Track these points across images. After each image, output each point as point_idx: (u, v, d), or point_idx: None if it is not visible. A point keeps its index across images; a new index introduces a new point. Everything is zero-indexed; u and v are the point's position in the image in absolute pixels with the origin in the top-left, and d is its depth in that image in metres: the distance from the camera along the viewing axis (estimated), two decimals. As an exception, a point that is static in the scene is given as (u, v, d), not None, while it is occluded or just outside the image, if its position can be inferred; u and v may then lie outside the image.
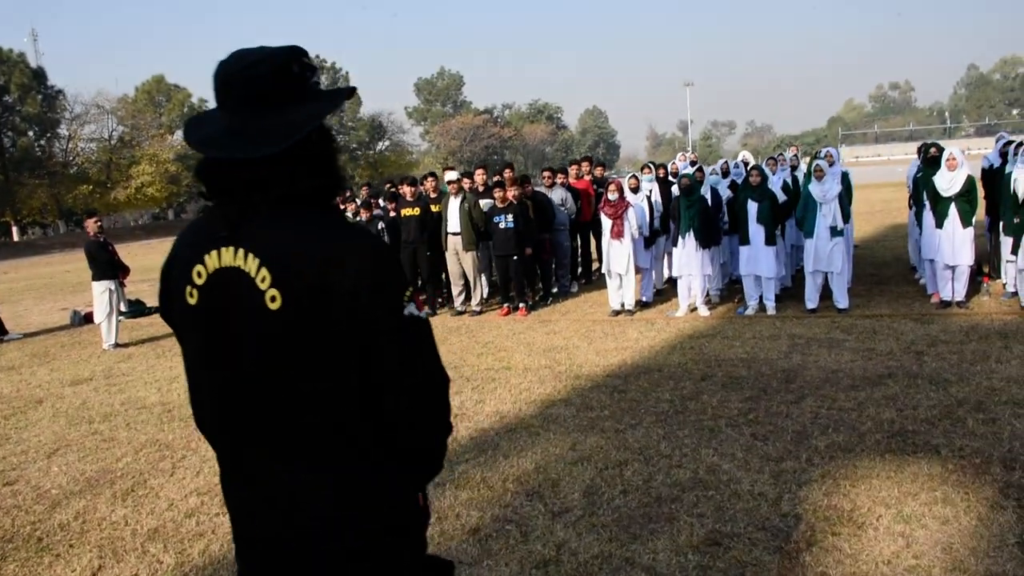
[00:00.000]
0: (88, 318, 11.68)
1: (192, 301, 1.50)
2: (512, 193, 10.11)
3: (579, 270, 12.48)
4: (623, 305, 9.67)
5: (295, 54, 1.46)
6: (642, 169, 11.24)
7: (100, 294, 9.98)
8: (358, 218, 10.80)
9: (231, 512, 1.61)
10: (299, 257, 1.40)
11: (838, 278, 8.46)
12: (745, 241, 8.90)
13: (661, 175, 10.86)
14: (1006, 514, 3.61)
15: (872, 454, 4.44)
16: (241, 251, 1.43)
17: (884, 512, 3.72)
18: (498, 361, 7.58)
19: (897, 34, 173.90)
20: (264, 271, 1.41)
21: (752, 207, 8.79)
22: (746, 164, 10.04)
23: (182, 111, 56.23)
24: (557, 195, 11.21)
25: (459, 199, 10.14)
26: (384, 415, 1.47)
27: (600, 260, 12.49)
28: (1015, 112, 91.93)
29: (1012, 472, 4.06)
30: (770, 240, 8.63)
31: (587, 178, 12.37)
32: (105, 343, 9.98)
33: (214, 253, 1.47)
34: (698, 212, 9.03)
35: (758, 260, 8.86)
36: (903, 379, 5.79)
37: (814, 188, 8.41)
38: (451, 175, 10.53)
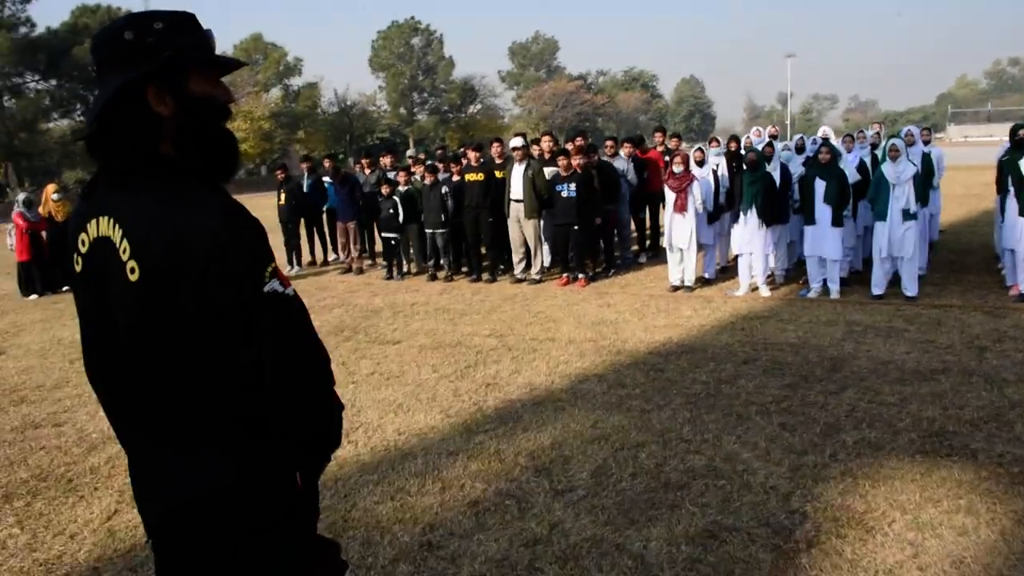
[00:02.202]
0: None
1: (78, 268, 1.53)
2: (576, 162, 9.94)
3: (647, 242, 12.24)
4: (683, 281, 9.44)
5: (132, 20, 1.45)
6: (710, 142, 10.88)
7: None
8: (424, 182, 10.83)
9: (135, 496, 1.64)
10: (154, 231, 1.40)
11: (908, 264, 8.02)
12: (811, 221, 8.51)
13: (733, 148, 10.48)
14: (1032, 529, 3.37)
15: (902, 454, 4.21)
16: (111, 220, 1.45)
17: (899, 517, 3.52)
18: (544, 332, 7.52)
19: (1020, 5, 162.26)
20: (125, 243, 1.43)
21: (820, 186, 8.38)
22: (825, 140, 9.56)
23: (277, 69, 57.47)
24: (619, 165, 10.98)
25: (523, 166, 10.04)
26: (252, 396, 1.45)
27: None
28: None
29: (1051, 484, 3.78)
30: (837, 221, 8.23)
31: (659, 149, 12.09)
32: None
33: (94, 222, 1.49)
34: (762, 188, 8.69)
35: (823, 241, 8.47)
36: (957, 375, 5.46)
37: (887, 169, 7.96)
38: (516, 141, 10.40)
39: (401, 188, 10.99)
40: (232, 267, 1.39)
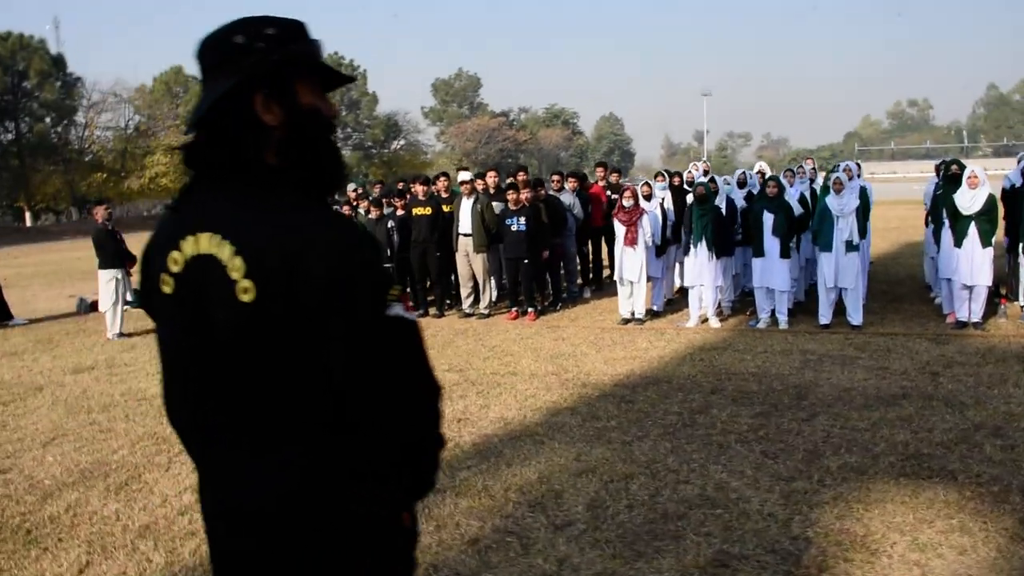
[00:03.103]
0: (94, 306, 11.60)
1: (167, 290, 1.41)
2: (525, 196, 10.00)
3: (591, 276, 12.36)
4: (633, 313, 9.54)
5: (243, 24, 1.38)
6: (656, 176, 11.12)
7: (106, 282, 9.92)
8: (368, 216, 10.73)
9: (203, 513, 1.52)
10: (271, 249, 1.29)
11: (852, 294, 8.31)
12: (759, 253, 8.74)
13: (676, 183, 10.73)
14: (1026, 547, 3.47)
15: (886, 477, 4.31)
16: (216, 237, 1.34)
17: (899, 539, 3.58)
18: (504, 366, 7.47)
19: (917, 52, 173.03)
20: (238, 260, 1.31)
21: (768, 219, 8.64)
22: (763, 175, 9.88)
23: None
24: (565, 200, 11.10)
25: (472, 200, 10.03)
26: (362, 425, 1.35)
27: (611, 267, 12.50)
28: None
29: (1032, 502, 3.92)
30: (785, 253, 8.48)
31: (601, 184, 12.27)
32: (109, 332, 9.91)
33: (190, 239, 1.37)
34: (711, 221, 8.90)
35: (772, 273, 8.71)
36: (918, 400, 5.64)
37: (831, 201, 8.27)
38: (464, 175, 10.43)
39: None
40: (355, 289, 1.30)
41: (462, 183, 10.33)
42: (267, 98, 1.37)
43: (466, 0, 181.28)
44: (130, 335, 9.98)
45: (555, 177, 11.61)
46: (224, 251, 1.32)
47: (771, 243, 8.61)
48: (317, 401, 1.34)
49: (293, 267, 1.27)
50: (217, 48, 1.37)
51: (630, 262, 9.37)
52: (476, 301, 10.52)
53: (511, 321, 9.96)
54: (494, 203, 10.24)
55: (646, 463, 4.68)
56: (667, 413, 5.67)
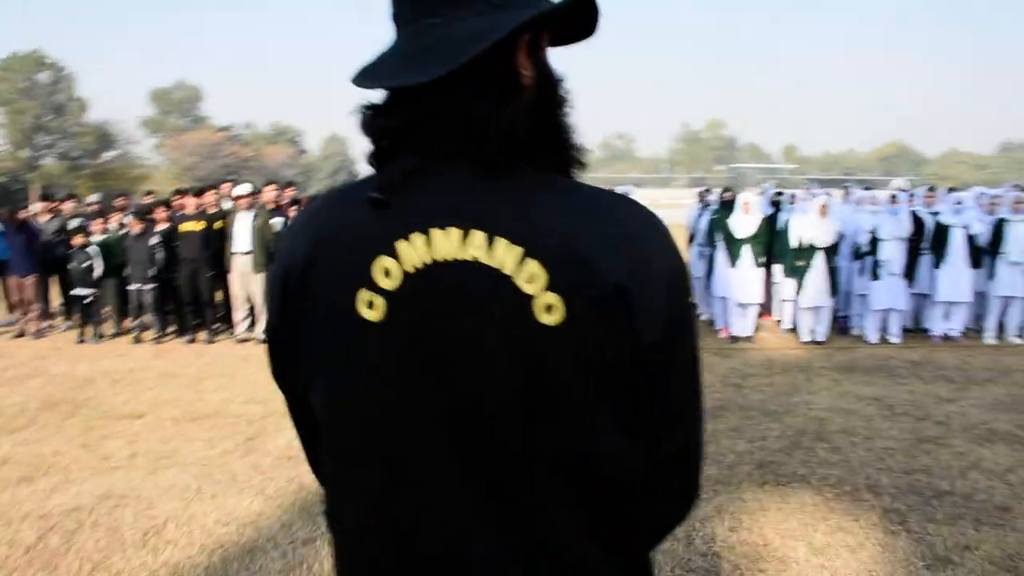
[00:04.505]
0: None
1: (372, 315, 0.96)
2: (310, 212, 9.39)
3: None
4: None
5: None
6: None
7: None
8: (124, 231, 9.49)
9: None
10: (574, 244, 0.92)
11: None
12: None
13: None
14: (901, 539, 3.75)
15: (751, 486, 4.48)
16: (479, 234, 0.93)
17: (795, 544, 3.71)
18: (310, 394, 6.86)
19: (623, 91, 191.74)
20: (533, 265, 0.91)
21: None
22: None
23: None
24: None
25: (251, 215, 9.22)
26: (649, 464, 1.02)
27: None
28: (721, 167, 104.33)
29: (881, 497, 4.27)
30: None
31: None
32: None
33: (416, 238, 0.95)
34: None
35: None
36: (737, 411, 6.00)
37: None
38: (243, 188, 9.54)
39: (96, 238, 9.47)
40: (684, 292, 0.98)
41: (238, 197, 9.46)
42: (529, 47, 0.98)
43: (188, 5, 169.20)
44: None
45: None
46: (503, 254, 0.92)
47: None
48: (620, 449, 0.98)
49: (623, 273, 0.92)
50: None
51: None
52: (252, 325, 9.66)
53: (295, 346, 9.25)
54: (273, 219, 9.51)
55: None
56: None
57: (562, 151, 1.03)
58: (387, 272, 0.95)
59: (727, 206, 8.89)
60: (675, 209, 19.65)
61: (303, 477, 4.74)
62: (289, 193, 10.70)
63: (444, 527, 0.97)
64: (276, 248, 1.10)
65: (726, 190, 9.27)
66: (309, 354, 1.04)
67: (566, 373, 0.93)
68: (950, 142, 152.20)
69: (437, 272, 0.94)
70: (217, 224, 9.44)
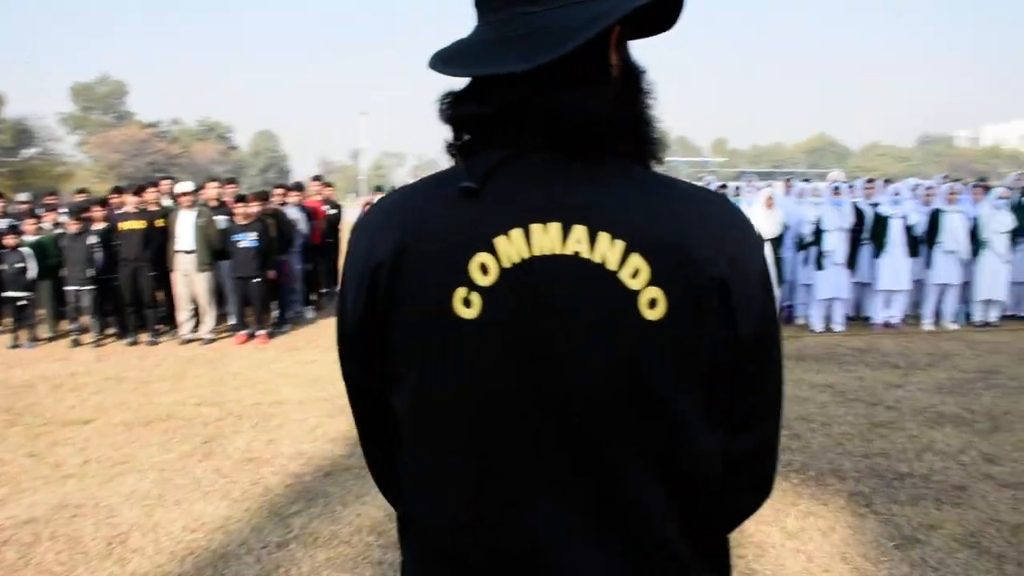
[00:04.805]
0: None
1: (470, 313, 0.93)
2: (255, 209, 9.19)
3: (310, 295, 11.71)
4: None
5: None
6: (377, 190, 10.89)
7: None
8: (59, 230, 9.14)
9: None
10: (673, 236, 0.91)
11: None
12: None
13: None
14: (869, 520, 3.86)
15: (719, 473, 4.55)
16: (581, 229, 0.91)
17: (769, 530, 3.78)
18: (263, 395, 6.71)
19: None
20: (637, 259, 0.90)
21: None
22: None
23: None
24: (291, 214, 10.43)
25: (194, 213, 8.96)
26: (730, 456, 1.02)
27: (331, 284, 11.99)
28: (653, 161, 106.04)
29: (845, 481, 4.39)
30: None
31: (318, 198, 11.72)
32: None
33: (516, 233, 0.92)
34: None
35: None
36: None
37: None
38: (185, 186, 9.27)
39: (29, 238, 9.09)
40: (770, 284, 0.98)
41: (179, 195, 9.19)
42: (619, 38, 0.96)
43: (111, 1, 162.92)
44: None
45: (278, 190, 10.83)
46: (605, 249, 0.90)
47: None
48: (707, 442, 0.98)
49: (721, 265, 0.92)
50: None
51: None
52: (197, 326, 9.40)
53: (241, 345, 9.06)
54: (217, 217, 9.27)
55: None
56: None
57: (645, 142, 1.01)
58: (484, 268, 0.92)
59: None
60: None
61: (268, 479, 4.65)
62: (231, 190, 10.47)
63: (535, 524, 0.95)
64: (352, 244, 1.04)
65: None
66: (397, 351, 1.00)
67: (664, 367, 0.92)
68: (872, 135, 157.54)
69: (535, 267, 0.92)
70: (158, 222, 9.15)
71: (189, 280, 9.12)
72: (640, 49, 1.04)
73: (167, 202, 9.84)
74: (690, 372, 0.93)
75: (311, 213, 10.95)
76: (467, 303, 0.93)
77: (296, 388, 6.93)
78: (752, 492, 1.09)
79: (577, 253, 0.91)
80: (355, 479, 4.60)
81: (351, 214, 13.16)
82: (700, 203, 0.96)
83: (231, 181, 11.17)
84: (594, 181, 0.94)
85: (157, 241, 9.06)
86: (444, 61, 0.95)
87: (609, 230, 0.91)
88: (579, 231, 0.91)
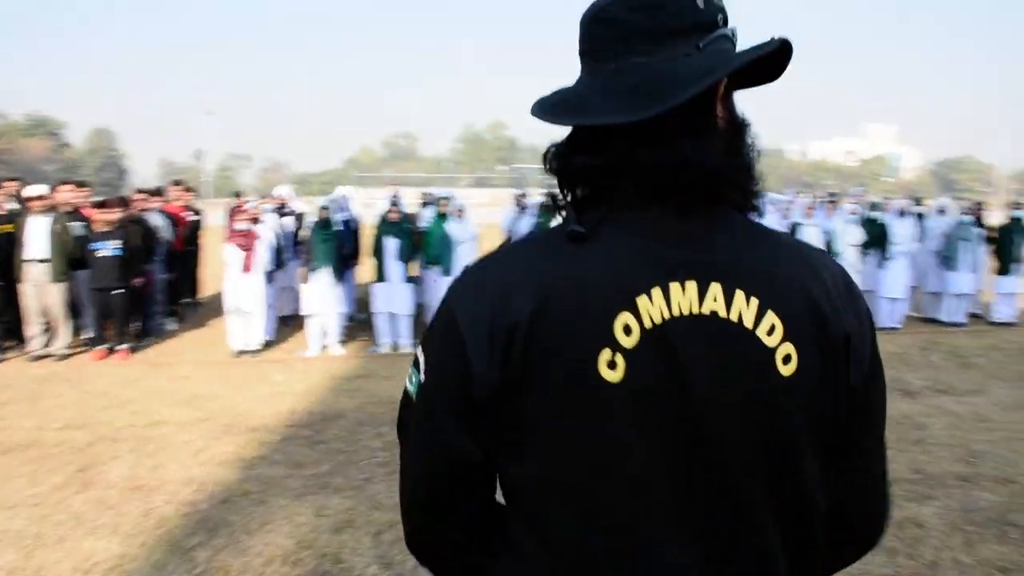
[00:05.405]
0: None
1: (614, 376, 0.91)
2: (116, 215, 8.65)
3: (172, 306, 11.13)
4: (247, 345, 8.88)
5: None
6: (263, 197, 10.55)
7: None
8: None
9: None
10: (815, 295, 0.97)
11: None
12: (382, 278, 8.91)
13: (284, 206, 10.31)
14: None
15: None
16: (717, 287, 0.93)
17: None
18: (137, 416, 6.34)
19: (404, 90, 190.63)
20: (772, 316, 0.93)
21: (392, 243, 8.86)
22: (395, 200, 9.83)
23: None
24: (154, 221, 9.90)
25: (48, 219, 8.32)
26: (843, 493, 1.08)
27: (192, 294, 11.48)
28: (503, 168, 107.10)
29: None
30: (411, 277, 8.76)
31: (179, 203, 11.17)
32: None
33: (657, 292, 0.92)
34: (335, 246, 8.82)
35: (394, 297, 8.93)
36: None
37: (452, 227, 8.79)
38: (36, 189, 8.58)
39: None
40: (875, 333, 1.05)
41: (29, 199, 8.50)
42: (726, 88, 1.00)
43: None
44: None
45: (138, 195, 10.24)
46: (741, 307, 0.93)
47: (394, 268, 8.86)
48: (824, 485, 1.03)
49: (840, 319, 0.98)
50: (692, 6, 0.95)
51: (246, 290, 8.72)
52: (49, 341, 8.73)
53: (100, 361, 8.50)
54: (73, 223, 8.65)
55: (394, 505, 4.43)
56: (371, 449, 5.44)
57: (750, 194, 1.03)
58: (627, 329, 0.91)
59: (549, 209, 9.18)
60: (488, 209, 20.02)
61: (160, 509, 4.43)
62: (85, 193, 9.78)
63: None
64: (465, 301, 0.99)
65: (549, 194, 9.61)
66: (530, 416, 0.95)
67: (797, 422, 0.96)
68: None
69: (677, 328, 0.92)
70: (4, 228, 8.43)
71: (40, 291, 8.46)
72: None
73: (11, 206, 9.07)
74: (816, 423, 0.98)
75: (174, 220, 10.44)
76: (612, 365, 0.91)
77: (173, 407, 6.60)
78: (873, 524, 1.13)
79: (715, 313, 0.92)
80: (255, 505, 4.46)
81: (211, 220, 12.55)
82: (815, 257, 1.02)
83: (83, 184, 10.43)
84: (714, 236, 0.97)
85: (3, 249, 8.35)
86: (548, 109, 0.97)
87: (743, 287, 0.93)
88: (715, 289, 0.93)
